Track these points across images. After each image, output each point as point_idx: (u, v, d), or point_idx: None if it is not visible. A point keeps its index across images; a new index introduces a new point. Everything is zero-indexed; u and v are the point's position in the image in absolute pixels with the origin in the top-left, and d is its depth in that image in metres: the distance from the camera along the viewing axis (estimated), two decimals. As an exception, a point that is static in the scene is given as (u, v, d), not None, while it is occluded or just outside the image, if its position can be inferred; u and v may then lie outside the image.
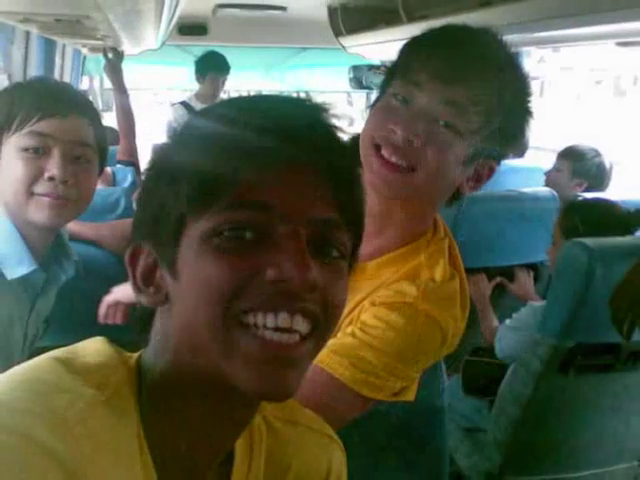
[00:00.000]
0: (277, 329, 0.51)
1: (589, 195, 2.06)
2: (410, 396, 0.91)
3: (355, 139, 0.92)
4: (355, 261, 0.60)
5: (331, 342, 0.84)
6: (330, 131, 0.56)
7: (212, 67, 3.43)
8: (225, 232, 0.51)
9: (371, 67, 3.25)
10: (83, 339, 0.57)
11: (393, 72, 0.93)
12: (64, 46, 3.04)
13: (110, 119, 2.92)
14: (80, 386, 0.50)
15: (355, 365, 0.84)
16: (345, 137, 0.59)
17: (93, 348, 0.56)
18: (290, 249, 0.51)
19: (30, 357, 0.53)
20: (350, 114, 8.49)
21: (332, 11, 2.87)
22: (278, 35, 3.25)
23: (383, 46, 2.61)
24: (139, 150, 2.54)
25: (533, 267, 2.21)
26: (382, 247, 0.95)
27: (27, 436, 0.44)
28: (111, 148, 1.42)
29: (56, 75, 2.94)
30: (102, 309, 1.36)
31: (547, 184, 2.49)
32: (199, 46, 3.48)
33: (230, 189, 0.51)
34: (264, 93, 0.65)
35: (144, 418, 0.53)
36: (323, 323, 0.54)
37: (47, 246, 1.22)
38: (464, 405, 1.88)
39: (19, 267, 1.13)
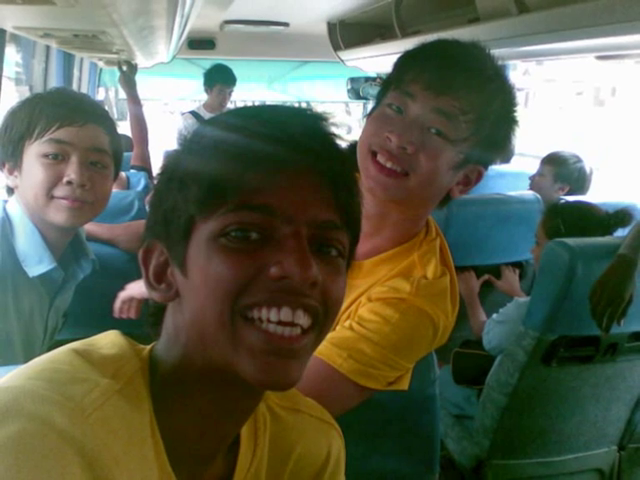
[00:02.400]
0: (280, 323, 0.51)
1: (571, 198, 2.06)
2: (404, 385, 0.91)
3: (353, 146, 0.92)
4: (353, 259, 0.60)
5: (330, 335, 0.84)
6: (329, 138, 0.56)
7: (219, 79, 3.43)
8: (232, 232, 0.51)
9: (368, 79, 3.25)
10: (99, 332, 0.57)
11: (388, 84, 0.93)
12: (82, 59, 3.05)
13: (124, 127, 2.92)
14: (96, 376, 0.50)
15: (353, 357, 0.84)
16: (343, 144, 0.59)
17: (108, 340, 0.56)
18: (292, 248, 0.51)
19: (50, 349, 0.53)
20: (348, 123, 8.49)
21: (331, 27, 2.87)
22: (281, 49, 3.26)
23: (379, 59, 2.62)
24: (151, 156, 2.53)
25: (518, 265, 2.21)
26: (378, 247, 0.95)
27: (46, 422, 0.44)
28: (125, 154, 1.42)
29: (74, 86, 2.94)
30: (117, 304, 1.36)
31: (531, 188, 2.49)
32: (207, 59, 3.48)
33: (236, 193, 0.51)
34: (268, 103, 0.65)
35: (156, 406, 0.53)
36: (323, 317, 0.54)
37: (65, 246, 1.22)
38: (454, 393, 1.88)
39: (39, 265, 1.13)
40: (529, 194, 2.24)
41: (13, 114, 1.13)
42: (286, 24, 2.80)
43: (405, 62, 0.93)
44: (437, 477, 1.26)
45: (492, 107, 0.87)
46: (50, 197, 1.10)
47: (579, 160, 2.49)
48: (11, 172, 1.14)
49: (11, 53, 2.39)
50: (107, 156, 1.16)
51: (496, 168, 2.65)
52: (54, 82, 2.60)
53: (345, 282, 0.57)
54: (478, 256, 2.13)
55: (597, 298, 1.36)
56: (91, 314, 1.29)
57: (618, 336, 1.47)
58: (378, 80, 3.18)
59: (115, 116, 4.33)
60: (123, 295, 1.36)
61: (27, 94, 2.24)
